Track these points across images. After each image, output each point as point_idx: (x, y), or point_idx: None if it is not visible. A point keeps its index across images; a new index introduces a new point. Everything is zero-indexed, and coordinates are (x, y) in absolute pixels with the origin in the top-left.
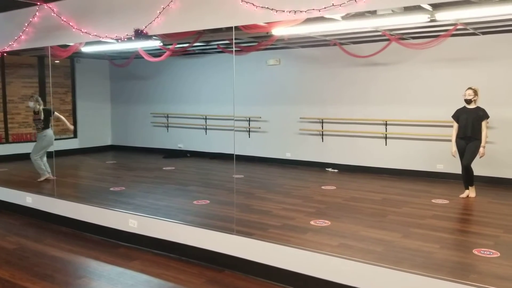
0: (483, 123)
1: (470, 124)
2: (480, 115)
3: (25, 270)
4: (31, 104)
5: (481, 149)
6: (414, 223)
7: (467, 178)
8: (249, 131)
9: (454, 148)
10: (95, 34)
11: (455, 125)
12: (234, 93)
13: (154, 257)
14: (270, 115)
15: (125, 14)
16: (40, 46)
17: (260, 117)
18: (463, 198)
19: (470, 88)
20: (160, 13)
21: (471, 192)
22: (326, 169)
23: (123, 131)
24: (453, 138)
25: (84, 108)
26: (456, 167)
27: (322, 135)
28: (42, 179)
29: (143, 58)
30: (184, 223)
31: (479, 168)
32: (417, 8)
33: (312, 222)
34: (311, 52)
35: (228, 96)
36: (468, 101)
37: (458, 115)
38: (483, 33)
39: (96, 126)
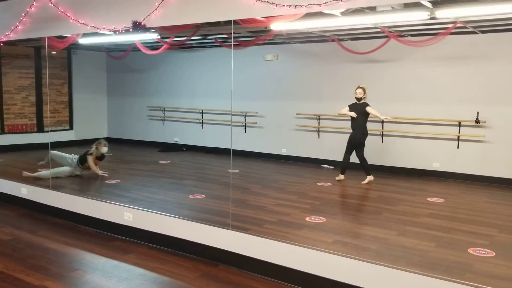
0: (368, 109)
1: (358, 118)
2: (365, 106)
3: (19, 262)
4: None
5: (383, 117)
6: (410, 221)
7: (363, 167)
8: (245, 126)
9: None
10: (92, 25)
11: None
12: (232, 87)
13: (149, 250)
14: (267, 111)
15: (123, 6)
16: (36, 36)
17: (257, 112)
18: (339, 180)
19: (360, 87)
20: (158, 5)
21: (366, 180)
22: (322, 165)
23: (119, 124)
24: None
25: (80, 100)
26: (452, 166)
27: (319, 131)
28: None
29: (140, 50)
30: (179, 217)
31: (476, 167)
32: (417, 5)
33: (307, 219)
34: (309, 48)
35: (225, 90)
36: (359, 99)
37: (351, 109)
38: (483, 32)
39: (92, 118)
